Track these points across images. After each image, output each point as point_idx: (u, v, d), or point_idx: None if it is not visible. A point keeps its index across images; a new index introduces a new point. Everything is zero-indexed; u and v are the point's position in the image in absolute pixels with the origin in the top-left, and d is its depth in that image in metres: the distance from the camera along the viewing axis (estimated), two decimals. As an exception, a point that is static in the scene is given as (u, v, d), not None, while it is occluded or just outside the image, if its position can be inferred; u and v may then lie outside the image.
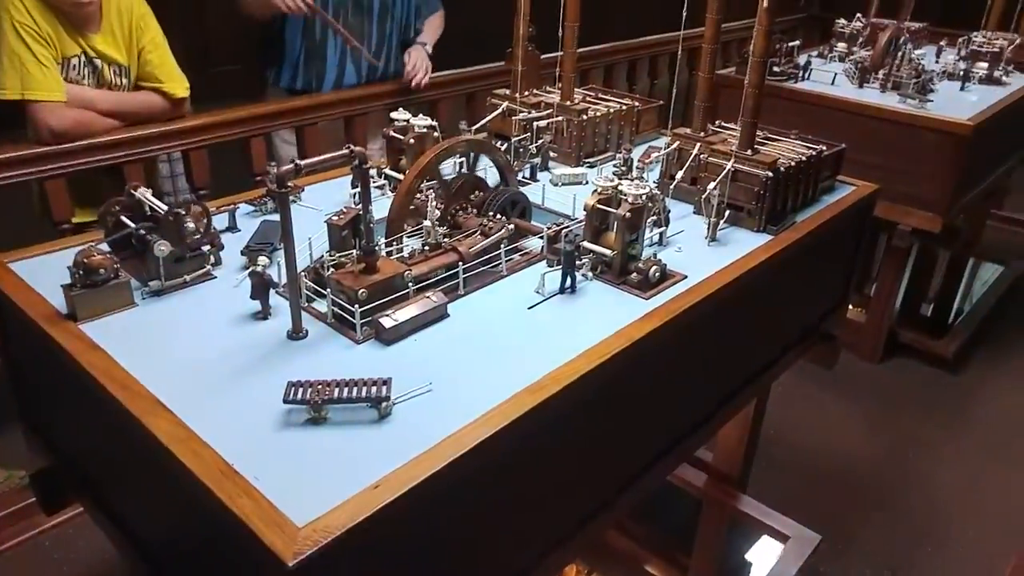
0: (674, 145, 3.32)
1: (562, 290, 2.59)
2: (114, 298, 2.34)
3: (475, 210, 3.04)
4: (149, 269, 2.47)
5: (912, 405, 4.67)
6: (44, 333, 2.23)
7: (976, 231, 5.91)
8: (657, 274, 2.66)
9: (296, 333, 2.34)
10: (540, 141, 3.72)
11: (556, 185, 3.59)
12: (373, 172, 3.25)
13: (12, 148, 3.37)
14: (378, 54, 4.67)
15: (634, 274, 2.66)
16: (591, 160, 3.84)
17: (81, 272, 2.26)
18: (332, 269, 2.51)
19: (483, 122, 3.60)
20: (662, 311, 2.53)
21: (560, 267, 2.57)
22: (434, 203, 2.70)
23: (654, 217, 2.98)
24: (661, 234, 3.02)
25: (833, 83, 5.44)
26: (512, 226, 2.86)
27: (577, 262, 2.66)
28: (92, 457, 2.44)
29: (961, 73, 4.75)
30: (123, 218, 2.45)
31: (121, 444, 2.11)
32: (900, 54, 5.33)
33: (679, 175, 3.23)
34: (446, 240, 2.78)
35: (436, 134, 3.38)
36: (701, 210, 3.09)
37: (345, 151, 2.27)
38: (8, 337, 2.58)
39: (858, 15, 6.18)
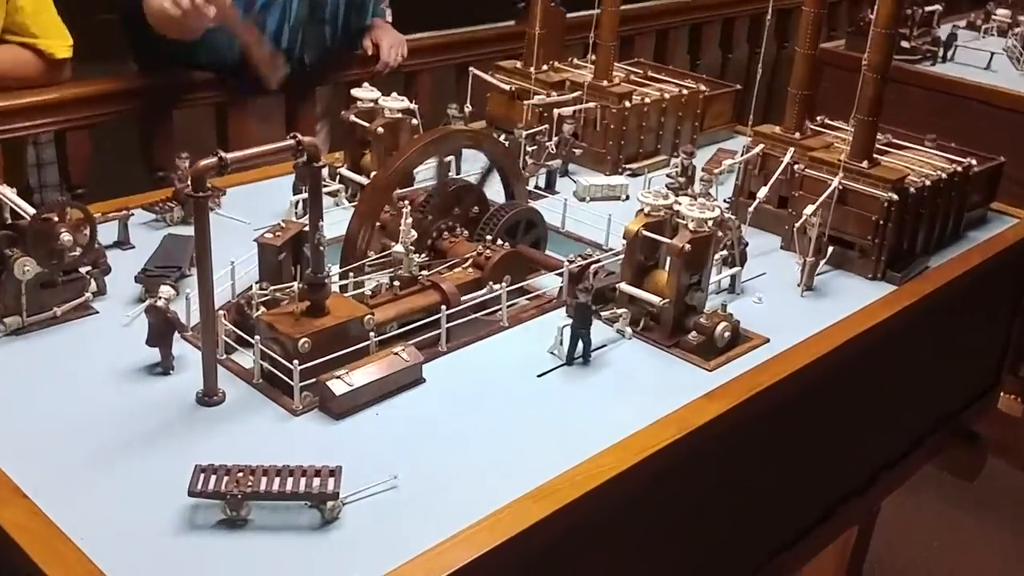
0: (756, 149, 3.35)
1: (569, 360, 2.64)
2: (-51, 337, 2.38)
3: (467, 231, 3.06)
4: (5, 297, 2.51)
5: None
6: None
7: None
8: (726, 335, 2.69)
9: (209, 396, 2.38)
10: (562, 137, 3.73)
11: (583, 200, 3.62)
12: (325, 173, 3.30)
13: None
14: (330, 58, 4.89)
15: (693, 333, 2.69)
16: (634, 167, 3.85)
17: None
18: (263, 308, 2.56)
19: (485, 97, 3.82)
20: (731, 389, 2.56)
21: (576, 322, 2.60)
22: (410, 220, 2.77)
23: (724, 252, 3.01)
24: (734, 277, 3.04)
25: (988, 67, 5.47)
26: (518, 256, 2.90)
27: (605, 316, 2.72)
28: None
29: None
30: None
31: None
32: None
33: (762, 193, 3.25)
34: (425, 273, 2.82)
35: (415, 121, 3.41)
36: (792, 245, 3.12)
37: (289, 141, 2.34)
38: None
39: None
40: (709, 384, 2.58)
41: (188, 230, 2.68)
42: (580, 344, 2.62)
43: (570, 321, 2.64)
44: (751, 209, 3.23)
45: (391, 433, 2.35)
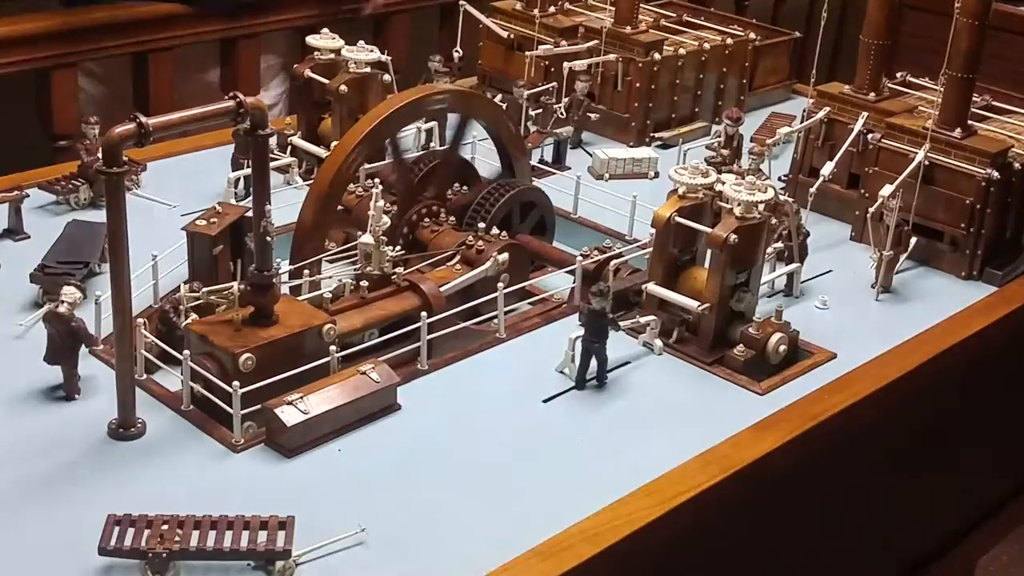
0: (819, 114, 3.36)
1: (579, 383, 2.64)
2: None
3: (453, 218, 3.07)
4: None
5: None
6: None
7: None
8: (782, 349, 2.70)
9: (125, 427, 2.38)
10: (574, 97, 3.74)
11: (601, 178, 3.65)
12: (274, 143, 3.31)
13: None
14: None
15: (740, 347, 2.71)
16: (666, 136, 3.88)
17: None
18: (194, 315, 2.56)
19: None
20: (788, 419, 2.57)
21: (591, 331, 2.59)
22: (381, 203, 2.75)
23: (779, 245, 3.04)
24: (791, 276, 3.06)
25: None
26: (518, 249, 2.94)
27: (627, 326, 2.71)
28: None
29: None
30: None
31: None
32: None
33: (827, 170, 3.27)
34: (400, 271, 2.82)
35: (387, 78, 3.44)
36: (865, 235, 3.15)
37: (227, 103, 2.34)
38: None
39: None
40: (760, 412, 2.58)
41: (99, 215, 2.67)
42: (594, 362, 2.62)
43: (581, 333, 2.63)
44: (813, 190, 3.23)
45: (357, 475, 2.34)
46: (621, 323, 2.74)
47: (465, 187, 2.98)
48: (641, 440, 2.46)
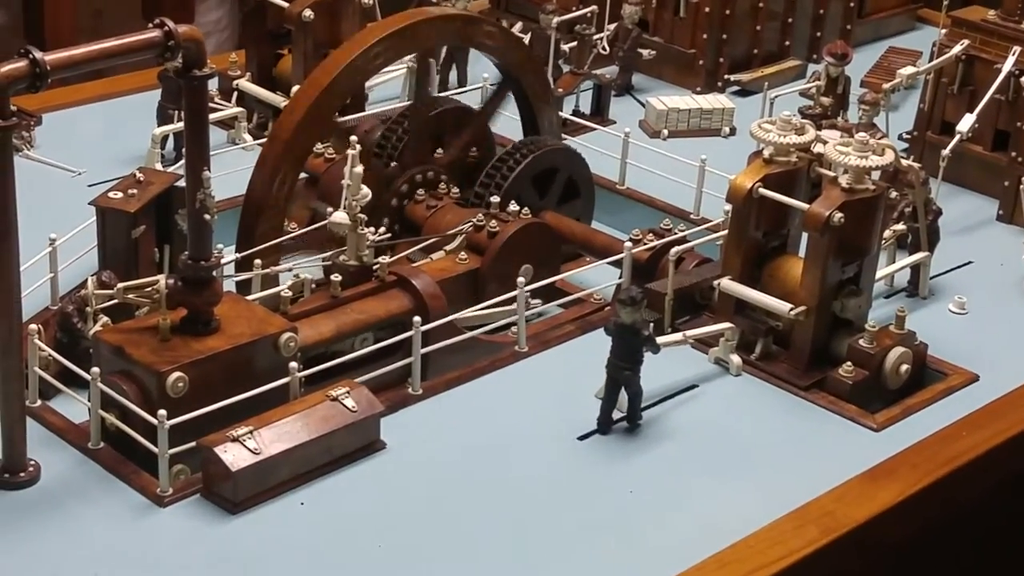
0: (955, 50, 3.38)
1: (602, 425, 2.63)
2: None
3: (456, 188, 3.10)
4: None
5: None
6: None
7: None
8: (904, 368, 2.71)
9: (12, 472, 2.37)
10: (621, 27, 3.77)
11: (657, 136, 3.70)
12: (215, 87, 3.31)
13: None
14: None
15: (846, 366, 2.71)
16: (745, 78, 3.94)
17: None
18: (105, 319, 2.55)
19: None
20: (914, 463, 2.57)
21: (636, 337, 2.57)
22: (360, 168, 2.75)
23: (900, 227, 3.05)
24: (917, 269, 3.09)
25: None
26: (544, 231, 2.94)
27: (689, 336, 2.70)
28: None
29: None
30: None
31: None
32: None
33: (965, 125, 3.29)
34: (385, 260, 2.84)
35: (366, 0, 3.49)
36: (1017, 214, 3.20)
37: (151, 32, 2.32)
38: None
39: None
40: (875, 454, 2.56)
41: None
42: (624, 395, 2.62)
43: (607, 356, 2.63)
44: (947, 152, 3.21)
45: (324, 537, 2.32)
46: (687, 332, 2.70)
47: (475, 149, 2.95)
48: (711, 492, 2.45)
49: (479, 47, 3.05)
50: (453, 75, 3.98)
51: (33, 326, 2.52)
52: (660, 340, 2.68)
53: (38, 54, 2.22)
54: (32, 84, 2.24)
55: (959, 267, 3.08)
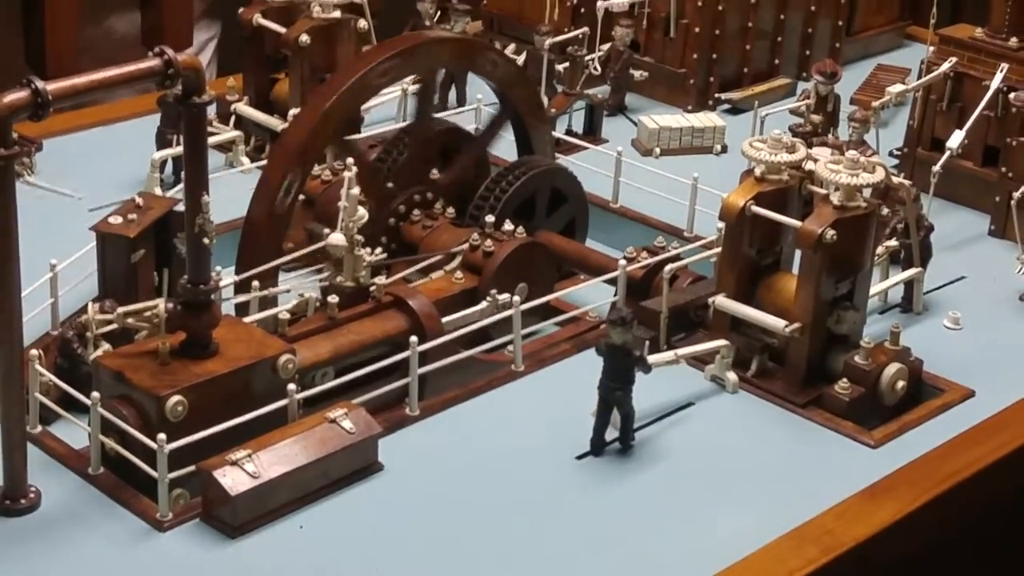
0: (943, 67, 3.38)
1: (594, 447, 2.63)
2: None
3: (452, 208, 3.11)
4: None
5: None
6: None
7: None
8: (899, 385, 2.71)
9: (13, 499, 2.37)
10: (613, 48, 3.78)
11: (650, 154, 3.70)
12: (213, 112, 3.32)
13: None
14: None
15: (842, 382, 2.72)
16: (736, 97, 3.95)
17: None
18: (105, 344, 2.55)
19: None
20: (912, 480, 2.56)
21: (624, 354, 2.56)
22: (357, 190, 2.74)
23: (894, 243, 3.06)
24: (910, 285, 3.08)
25: None
26: (539, 250, 2.94)
27: (683, 355, 2.70)
28: None
29: None
30: None
31: None
32: None
33: (955, 141, 3.28)
34: (382, 281, 2.84)
35: (363, 24, 3.49)
36: (1010, 229, 3.18)
37: (152, 61, 2.32)
38: None
39: None
40: (872, 471, 2.56)
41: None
42: (617, 416, 2.61)
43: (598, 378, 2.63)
44: (937, 168, 3.22)
45: (323, 561, 2.32)
46: (680, 351, 2.70)
47: (462, 165, 2.97)
48: (710, 511, 2.45)
49: (478, 70, 3.07)
50: (452, 95, 4.09)
51: (34, 351, 2.52)
52: (651, 359, 2.67)
53: (40, 84, 2.23)
54: (35, 113, 2.25)
55: (952, 282, 3.10)
